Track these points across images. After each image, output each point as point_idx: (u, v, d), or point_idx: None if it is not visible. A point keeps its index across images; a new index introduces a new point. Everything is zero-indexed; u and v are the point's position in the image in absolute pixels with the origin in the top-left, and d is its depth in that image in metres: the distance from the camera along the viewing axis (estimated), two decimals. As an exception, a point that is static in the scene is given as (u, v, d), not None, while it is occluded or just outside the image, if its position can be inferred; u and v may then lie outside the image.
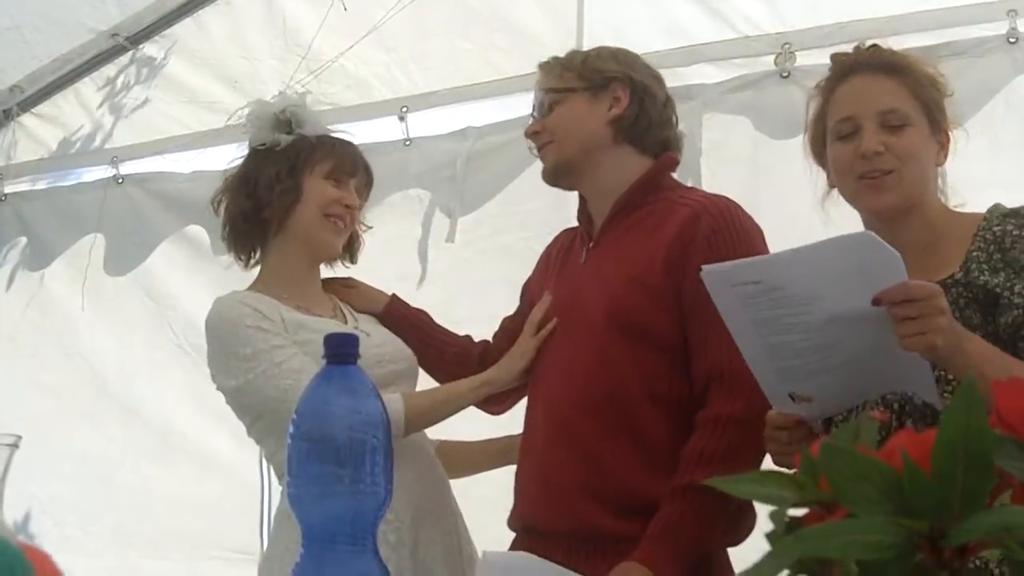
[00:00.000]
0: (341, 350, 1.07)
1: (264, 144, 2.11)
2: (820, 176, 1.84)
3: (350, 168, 2.12)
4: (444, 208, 3.03)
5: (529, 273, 2.23)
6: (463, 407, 2.06)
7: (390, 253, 2.30)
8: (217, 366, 2.01)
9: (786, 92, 2.67)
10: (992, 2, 2.52)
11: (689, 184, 2.33)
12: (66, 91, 3.62)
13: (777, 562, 0.66)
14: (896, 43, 1.89)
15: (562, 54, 2.07)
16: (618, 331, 1.86)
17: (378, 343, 2.07)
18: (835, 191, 1.79)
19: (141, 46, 3.49)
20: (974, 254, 1.61)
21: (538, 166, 2.10)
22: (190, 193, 3.40)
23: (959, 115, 1.77)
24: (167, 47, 3.48)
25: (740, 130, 2.75)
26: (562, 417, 1.91)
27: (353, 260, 2.22)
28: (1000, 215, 1.65)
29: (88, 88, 3.59)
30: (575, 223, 2.12)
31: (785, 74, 2.68)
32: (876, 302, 1.39)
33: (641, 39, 2.68)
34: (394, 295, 2.25)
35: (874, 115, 1.67)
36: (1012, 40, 2.47)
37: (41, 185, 3.70)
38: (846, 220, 1.79)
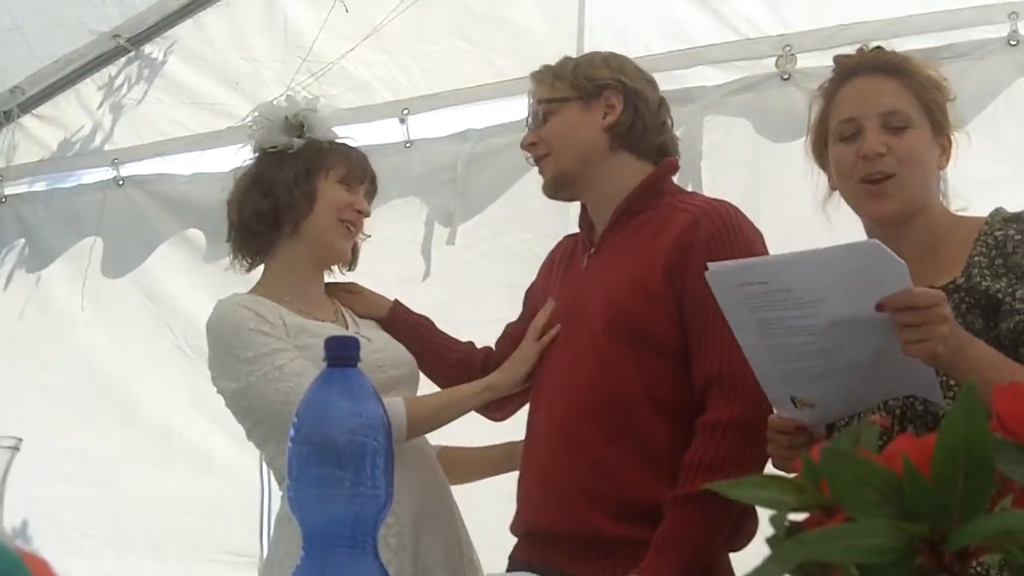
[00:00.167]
0: (341, 353, 1.07)
1: (275, 147, 2.10)
2: (821, 179, 1.84)
3: (361, 175, 2.14)
4: (445, 210, 3.03)
5: (530, 276, 2.23)
6: (465, 412, 2.06)
7: (390, 255, 2.30)
8: (218, 369, 2.01)
9: (787, 94, 2.67)
10: (993, 4, 2.52)
11: (689, 187, 2.34)
12: (67, 92, 3.62)
13: (778, 566, 0.66)
14: (897, 45, 1.90)
15: (555, 61, 2.07)
16: (619, 336, 1.86)
17: (379, 348, 2.07)
18: (836, 193, 1.79)
19: (142, 47, 3.50)
20: (976, 259, 1.61)
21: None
22: (190, 195, 3.40)
23: (960, 117, 1.77)
24: (168, 48, 3.48)
25: (741, 133, 2.74)
26: (564, 422, 1.91)
27: (351, 268, 2.22)
28: (1002, 220, 1.64)
29: (89, 89, 3.60)
30: (576, 226, 2.12)
31: (786, 76, 2.68)
32: (880, 308, 1.39)
33: (642, 41, 2.69)
34: (396, 301, 2.25)
35: (876, 116, 1.67)
36: (1013, 43, 2.47)
37: (41, 187, 3.71)
38: (847, 223, 1.79)
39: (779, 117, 2.68)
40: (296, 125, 2.11)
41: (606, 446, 1.85)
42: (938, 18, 2.53)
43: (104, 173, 3.56)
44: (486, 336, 2.25)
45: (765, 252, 1.87)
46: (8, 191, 3.70)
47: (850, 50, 1.80)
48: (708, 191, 2.50)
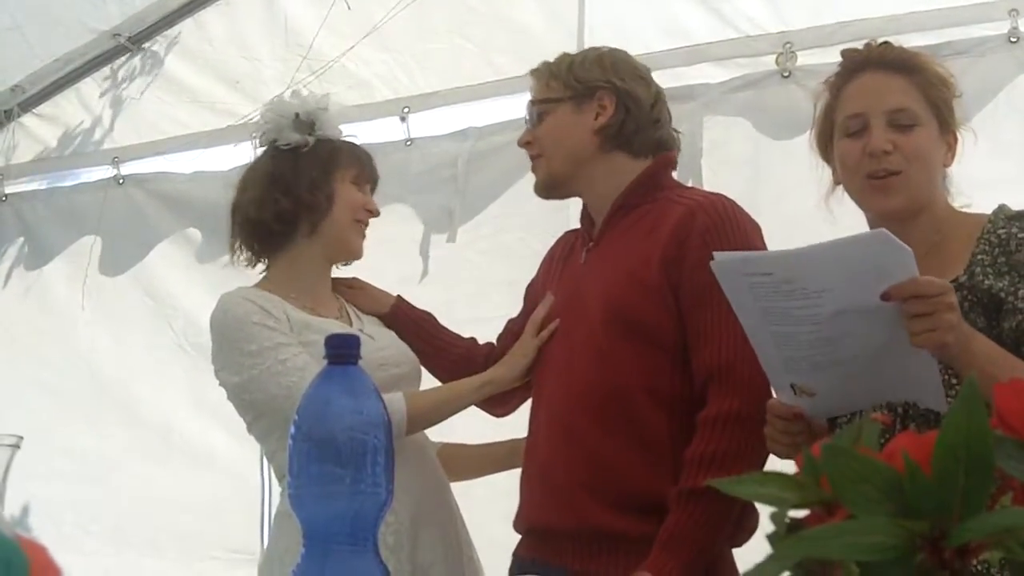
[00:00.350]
0: (342, 351, 1.07)
1: (288, 144, 2.10)
2: (822, 175, 1.84)
3: (371, 175, 2.16)
4: (445, 208, 3.03)
5: (530, 273, 2.23)
6: (465, 406, 2.06)
7: (391, 253, 2.31)
8: (221, 362, 2.02)
9: (787, 92, 2.67)
10: (993, 2, 2.52)
11: (689, 183, 2.34)
12: (67, 91, 3.62)
13: (779, 563, 0.66)
14: (897, 42, 1.89)
15: (554, 59, 2.07)
16: (617, 330, 1.86)
17: (382, 346, 2.08)
18: (839, 188, 1.78)
19: (142, 46, 3.50)
20: (978, 257, 1.61)
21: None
22: (190, 193, 3.41)
23: (961, 115, 1.77)
24: (168, 47, 3.48)
25: (741, 130, 2.74)
26: (563, 417, 1.91)
27: (347, 264, 2.23)
28: (1005, 218, 1.64)
29: (89, 88, 3.60)
30: (576, 224, 2.13)
31: (786, 74, 2.68)
32: (886, 297, 1.39)
33: (642, 39, 2.69)
34: (399, 296, 2.25)
35: (883, 113, 1.66)
36: (1013, 40, 2.47)
37: (42, 185, 3.71)
38: (850, 217, 1.79)
39: (779, 114, 2.68)
40: (308, 123, 2.11)
41: (605, 439, 1.85)
42: (938, 15, 2.53)
43: (104, 172, 3.56)
44: (486, 334, 2.25)
45: (762, 244, 1.87)
46: (8, 190, 3.70)
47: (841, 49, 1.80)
48: (708, 187, 2.50)
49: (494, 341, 2.23)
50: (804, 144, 2.60)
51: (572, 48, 2.61)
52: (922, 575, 0.66)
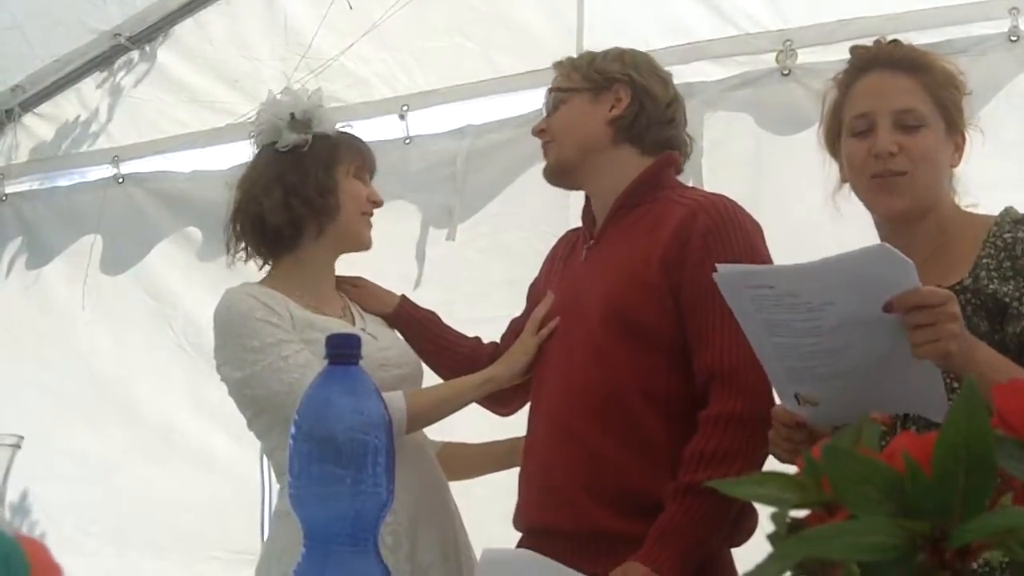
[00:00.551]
0: (343, 350, 1.07)
1: (287, 145, 2.09)
2: (824, 173, 1.84)
3: (371, 166, 2.16)
4: (444, 207, 3.03)
5: (529, 272, 2.24)
6: (465, 404, 2.06)
7: (390, 252, 2.30)
8: (223, 357, 2.02)
9: (787, 90, 2.67)
10: (993, 1, 2.51)
11: (690, 183, 2.33)
12: (67, 91, 3.62)
13: (779, 563, 0.66)
14: (899, 41, 1.89)
15: (570, 54, 2.08)
16: (615, 329, 1.86)
17: (384, 346, 2.08)
18: (846, 185, 1.78)
19: (143, 46, 3.49)
20: (984, 261, 1.60)
21: (539, 164, 2.10)
22: (190, 192, 3.41)
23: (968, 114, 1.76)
24: (168, 47, 3.48)
25: (741, 128, 2.74)
26: (562, 416, 1.91)
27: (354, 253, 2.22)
28: (1011, 221, 1.63)
29: (89, 88, 3.60)
30: (576, 222, 2.13)
31: (786, 72, 2.68)
32: (888, 309, 1.38)
33: (642, 37, 2.68)
34: (403, 296, 2.25)
35: (890, 114, 1.66)
36: (1013, 38, 2.47)
37: (42, 185, 3.71)
38: (854, 216, 1.79)
39: (779, 112, 2.68)
40: (304, 122, 2.10)
41: (603, 440, 1.85)
42: (938, 14, 2.53)
43: (104, 171, 3.56)
44: (485, 333, 2.25)
45: (763, 246, 1.87)
46: (8, 189, 3.70)
47: (850, 46, 1.80)
48: (708, 186, 2.50)
49: (497, 340, 2.23)
50: (804, 142, 2.61)
51: (571, 46, 2.61)
52: (922, 575, 0.66)
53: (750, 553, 1.75)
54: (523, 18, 3.04)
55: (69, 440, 3.43)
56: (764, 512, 0.73)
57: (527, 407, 2.08)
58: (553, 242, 2.23)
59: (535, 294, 2.16)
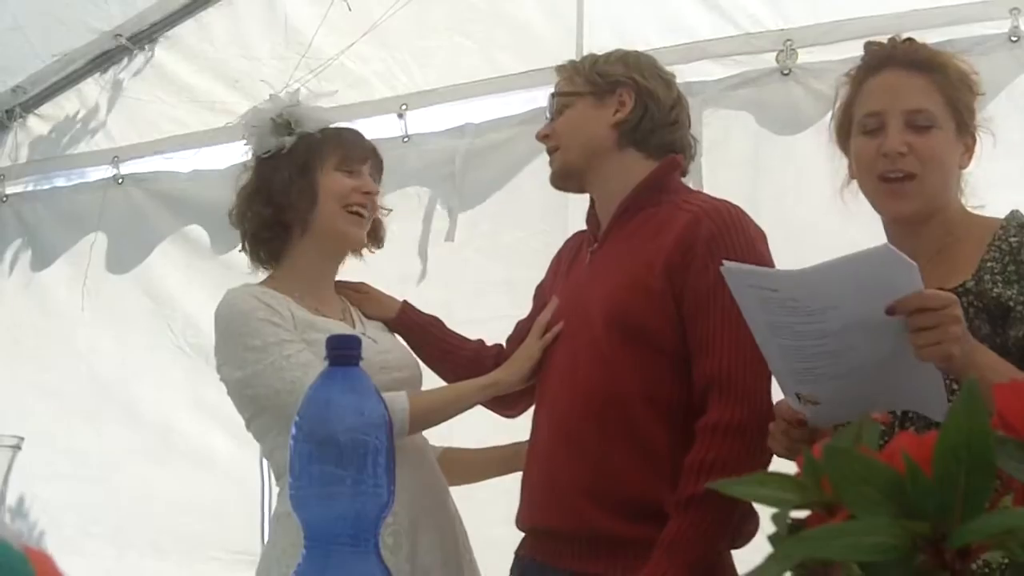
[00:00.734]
0: (343, 351, 1.07)
1: (269, 151, 2.10)
2: (822, 172, 1.84)
3: (360, 155, 2.12)
4: (443, 206, 3.03)
5: (528, 273, 2.24)
6: (468, 407, 2.06)
7: (389, 252, 2.30)
8: (224, 356, 2.02)
9: (787, 89, 2.67)
10: (994, 1, 2.51)
11: (690, 182, 2.33)
12: (68, 91, 3.62)
13: (780, 564, 0.66)
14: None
15: (570, 55, 2.07)
16: (618, 334, 1.86)
17: (383, 349, 2.08)
18: (854, 182, 1.77)
19: (143, 46, 3.49)
20: (988, 264, 1.60)
21: (538, 163, 2.10)
22: (190, 192, 3.41)
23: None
24: (169, 47, 3.48)
25: (741, 127, 2.74)
26: (564, 420, 1.91)
27: (379, 245, 2.21)
28: (1017, 225, 1.63)
29: (90, 88, 3.60)
30: (575, 221, 2.13)
31: (786, 71, 2.68)
32: (891, 311, 1.38)
33: (642, 36, 2.68)
34: (405, 302, 2.25)
35: (901, 113, 1.65)
36: (1014, 39, 2.47)
37: (42, 185, 3.71)
38: (856, 214, 1.79)
39: (779, 112, 2.68)
40: (284, 124, 2.10)
41: (606, 445, 1.85)
42: (939, 14, 2.53)
43: (104, 171, 3.56)
44: (484, 333, 2.25)
45: (767, 252, 1.87)
46: (9, 190, 3.70)
47: (851, 46, 1.80)
48: (708, 185, 2.50)
49: (500, 341, 2.22)
50: (804, 142, 2.62)
51: (571, 45, 2.61)
52: (923, 576, 0.66)
53: (750, 554, 1.75)
54: (523, 17, 3.04)
55: (69, 440, 3.43)
56: (764, 513, 0.73)
57: (531, 409, 2.08)
58: (552, 242, 2.22)
59: (541, 296, 2.15)
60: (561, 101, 2.02)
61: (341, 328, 2.03)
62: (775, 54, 2.70)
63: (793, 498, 0.71)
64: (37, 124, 3.68)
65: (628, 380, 1.84)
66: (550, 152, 2.04)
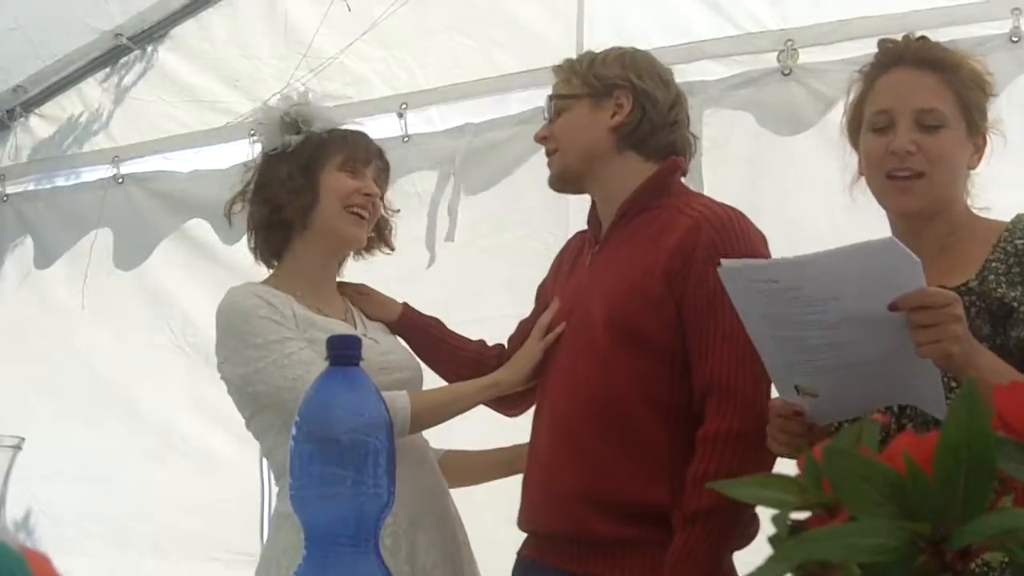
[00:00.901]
0: (344, 351, 1.07)
1: (276, 149, 2.10)
2: (823, 172, 1.84)
3: (364, 156, 2.12)
4: (444, 205, 3.03)
5: (527, 272, 2.24)
6: (469, 408, 2.06)
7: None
8: (225, 354, 2.02)
9: (788, 89, 2.67)
10: (995, 1, 2.51)
11: (690, 182, 2.33)
12: (69, 91, 3.62)
13: (780, 565, 0.66)
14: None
15: (570, 55, 2.06)
16: (617, 338, 1.86)
17: (384, 350, 2.08)
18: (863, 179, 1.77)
19: (144, 46, 3.50)
20: (992, 264, 1.60)
21: (538, 162, 2.10)
22: (190, 192, 3.41)
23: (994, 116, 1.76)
24: (169, 47, 3.48)
25: (741, 127, 2.74)
26: (564, 422, 1.91)
27: (389, 247, 2.21)
28: None
29: (91, 88, 3.60)
30: (575, 221, 2.13)
31: (787, 71, 2.67)
32: (893, 308, 1.38)
33: (642, 35, 2.68)
34: (406, 303, 2.25)
35: (911, 112, 1.65)
36: (1015, 39, 2.46)
37: (43, 185, 3.71)
38: (857, 212, 1.79)
39: (780, 112, 2.68)
40: (293, 122, 2.10)
41: (605, 448, 1.85)
42: (940, 14, 2.52)
43: (105, 171, 3.56)
44: (484, 333, 2.25)
45: (767, 257, 1.86)
46: (10, 190, 3.70)
47: (852, 46, 1.79)
48: (708, 185, 2.50)
49: (500, 341, 2.22)
50: (804, 142, 2.62)
51: (572, 44, 2.61)
52: (923, 577, 0.66)
53: (751, 555, 1.75)
54: (523, 16, 3.04)
55: (70, 440, 3.44)
56: (765, 514, 0.73)
57: (532, 409, 2.09)
58: (553, 241, 2.22)
59: (543, 296, 2.15)
60: (558, 103, 2.01)
61: (342, 328, 2.03)
62: (776, 54, 2.69)
63: (793, 499, 0.71)
64: (38, 124, 3.69)
65: (627, 383, 1.84)
66: (549, 154, 2.04)
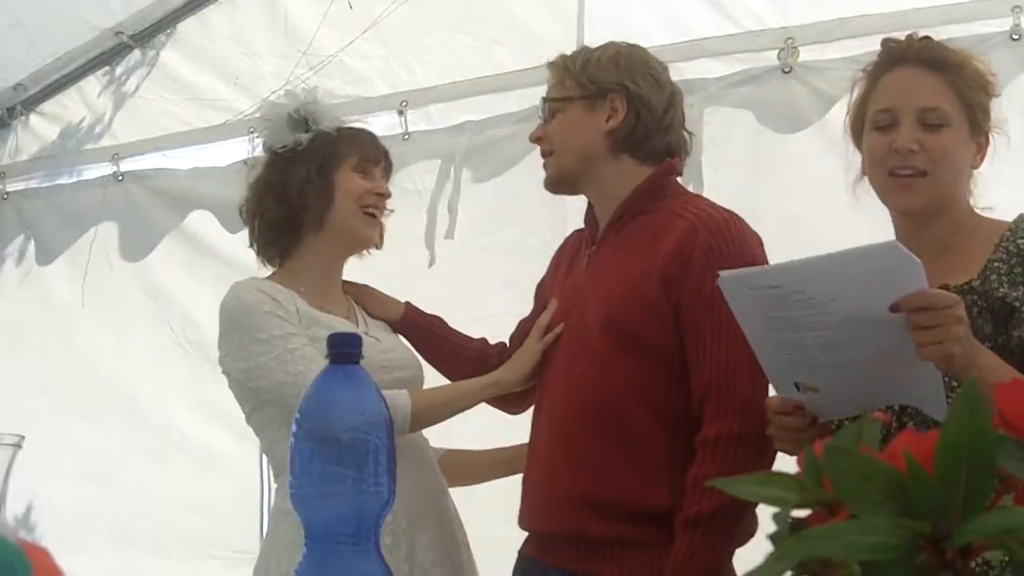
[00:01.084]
0: (344, 349, 1.07)
1: (285, 146, 2.09)
2: (824, 172, 1.83)
3: (375, 157, 2.13)
4: (444, 203, 3.03)
5: (527, 270, 2.24)
6: (469, 406, 2.06)
7: (390, 249, 2.29)
8: (227, 348, 2.01)
9: (788, 87, 2.66)
10: (995, -1, 2.51)
11: (690, 182, 2.33)
12: (69, 89, 3.62)
13: (781, 563, 0.66)
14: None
15: (568, 51, 2.05)
16: (614, 341, 1.86)
17: (386, 349, 2.08)
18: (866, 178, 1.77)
19: (144, 44, 3.50)
20: (995, 264, 1.60)
21: (536, 160, 2.09)
22: (190, 189, 3.40)
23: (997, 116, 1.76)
24: (170, 44, 3.48)
25: (741, 125, 2.74)
26: (562, 425, 1.91)
27: (379, 245, 2.21)
28: None
29: (91, 86, 3.60)
30: (574, 219, 2.12)
31: (787, 69, 2.67)
32: (894, 309, 1.39)
33: (643, 33, 2.67)
34: (408, 303, 2.25)
35: (913, 111, 1.65)
36: (1015, 37, 2.46)
37: (43, 183, 3.71)
38: (857, 212, 1.78)
39: (780, 110, 2.68)
40: (301, 120, 2.10)
41: (602, 450, 1.85)
42: (940, 12, 2.52)
43: (105, 168, 3.56)
44: (484, 331, 2.25)
45: (764, 259, 1.85)
46: (10, 188, 3.70)
47: (852, 44, 1.79)
48: (708, 183, 2.50)
49: (501, 339, 2.22)
50: (805, 140, 2.62)
51: (572, 43, 2.60)
52: (923, 575, 0.66)
53: (750, 553, 1.75)
54: (523, 15, 3.04)
55: (69, 438, 3.44)
56: (764, 512, 0.73)
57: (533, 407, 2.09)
58: (552, 239, 2.22)
59: (542, 294, 2.15)
60: (553, 105, 2.00)
61: (345, 325, 2.03)
62: (776, 52, 2.69)
63: (794, 497, 0.71)
64: (38, 122, 3.68)
65: (624, 386, 1.84)
66: (544, 155, 2.03)
